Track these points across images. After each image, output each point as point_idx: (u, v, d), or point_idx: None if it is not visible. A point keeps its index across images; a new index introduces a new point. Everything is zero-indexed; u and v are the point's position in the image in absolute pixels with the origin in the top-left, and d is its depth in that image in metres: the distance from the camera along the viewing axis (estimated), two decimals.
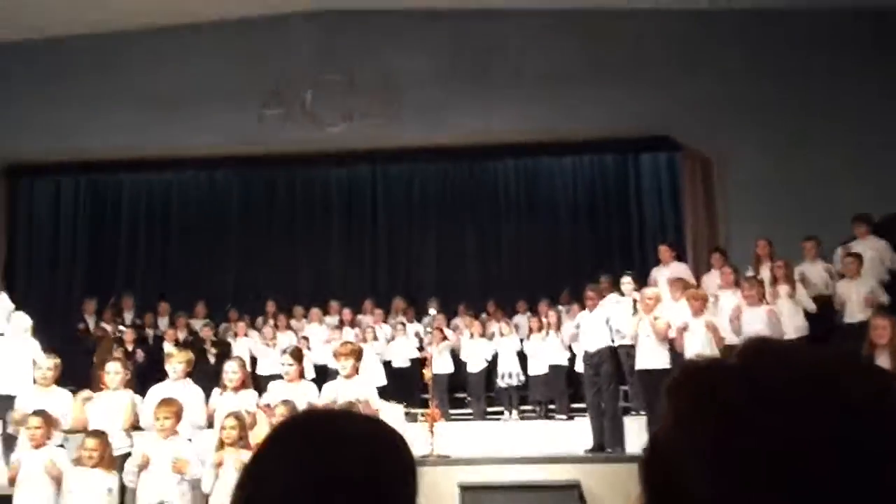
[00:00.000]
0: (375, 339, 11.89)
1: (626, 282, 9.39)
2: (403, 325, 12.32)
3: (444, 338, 11.78)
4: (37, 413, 6.30)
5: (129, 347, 11.23)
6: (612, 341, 9.03)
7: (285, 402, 6.54)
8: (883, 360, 6.04)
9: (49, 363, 6.96)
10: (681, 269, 10.20)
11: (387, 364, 11.97)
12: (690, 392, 0.73)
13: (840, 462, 0.65)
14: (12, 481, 6.23)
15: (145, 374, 9.68)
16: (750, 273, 9.16)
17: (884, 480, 0.65)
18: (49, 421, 6.28)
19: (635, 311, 8.90)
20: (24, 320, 8.82)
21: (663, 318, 8.43)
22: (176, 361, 6.80)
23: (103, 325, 12.00)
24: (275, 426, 0.98)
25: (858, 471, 0.65)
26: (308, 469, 0.88)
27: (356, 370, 7.26)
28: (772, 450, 0.66)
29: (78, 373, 10.73)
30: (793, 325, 8.29)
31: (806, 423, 0.66)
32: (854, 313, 8.31)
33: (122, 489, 6.37)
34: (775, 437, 0.66)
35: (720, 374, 0.73)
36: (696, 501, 0.68)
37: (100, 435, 6.24)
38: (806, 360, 0.72)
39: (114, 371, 6.49)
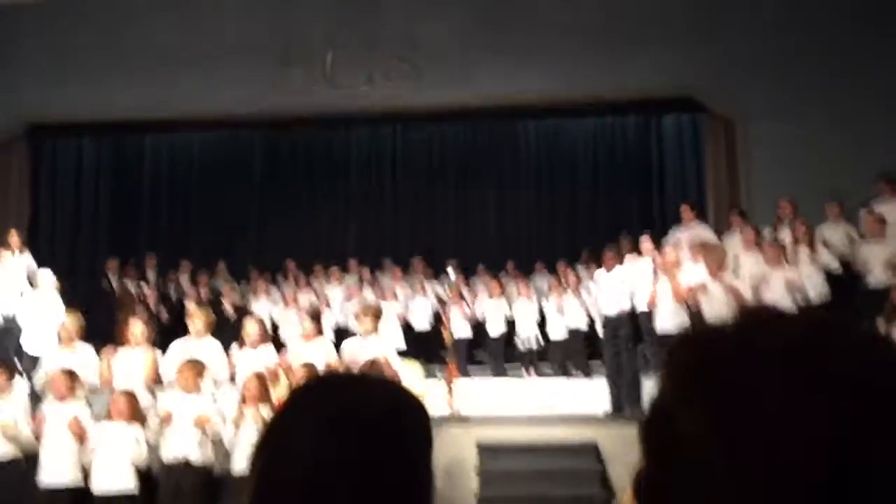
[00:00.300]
0: (396, 298, 11.94)
1: (645, 241, 9.33)
2: (423, 287, 12.35)
3: (462, 299, 11.78)
4: (64, 371, 6.42)
5: (152, 305, 11.36)
6: (631, 305, 9.00)
7: (306, 364, 6.62)
8: None
9: (72, 321, 7.06)
10: (702, 230, 10.12)
11: (406, 325, 12.04)
12: (689, 361, 0.73)
13: (834, 435, 0.65)
14: (38, 436, 6.37)
15: (168, 333, 9.81)
16: (769, 233, 9.06)
17: (880, 459, 0.65)
18: (74, 377, 6.39)
19: (654, 273, 8.86)
20: (49, 277, 8.94)
21: (682, 279, 8.40)
22: (197, 319, 6.88)
23: (126, 282, 12.13)
24: (297, 387, 0.98)
25: (853, 440, 0.65)
26: (331, 430, 0.89)
27: (375, 329, 7.31)
28: (769, 420, 0.66)
29: (102, 330, 10.93)
30: (815, 291, 8.21)
31: (801, 393, 0.67)
32: (877, 277, 8.20)
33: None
34: (772, 407, 0.67)
35: (719, 344, 0.73)
36: (693, 469, 0.69)
37: (128, 393, 6.37)
38: (803, 329, 0.72)
39: (136, 328, 6.58)
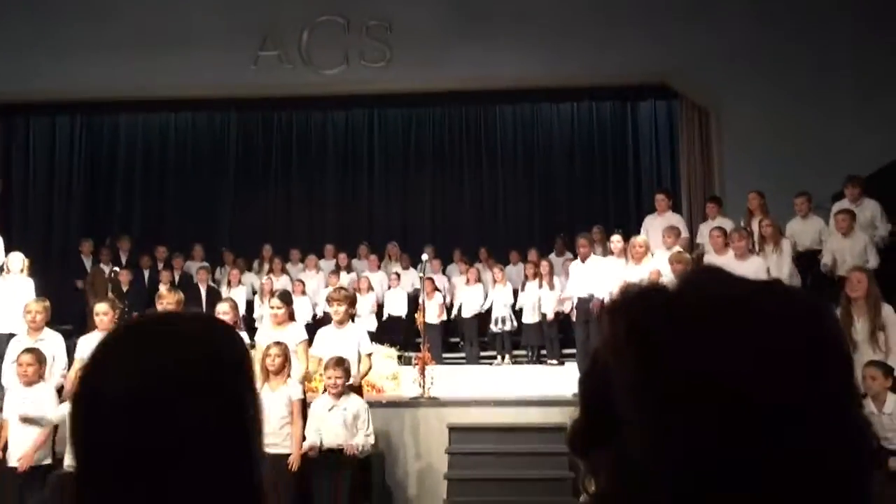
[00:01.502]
0: (371, 289, 11.96)
1: (616, 240, 9.37)
2: (398, 275, 12.37)
3: (436, 289, 11.84)
4: (28, 350, 6.39)
5: (125, 288, 11.31)
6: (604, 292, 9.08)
7: (277, 343, 6.61)
8: (859, 313, 6.09)
9: (37, 307, 7.01)
10: (675, 220, 10.20)
11: (380, 309, 12.09)
12: (622, 317, 0.75)
13: (752, 388, 0.68)
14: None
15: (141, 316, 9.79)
16: (736, 226, 9.14)
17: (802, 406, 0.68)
18: (41, 359, 6.37)
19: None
20: (19, 260, 8.88)
21: (653, 266, 8.48)
22: (166, 301, 6.86)
23: (101, 265, 12.07)
24: (111, 330, 0.99)
25: (769, 398, 0.68)
26: (148, 365, 0.90)
27: (349, 316, 7.32)
28: (688, 379, 0.69)
29: (76, 313, 10.89)
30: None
31: (720, 350, 0.69)
32: (845, 269, 8.30)
33: None
34: (692, 366, 0.69)
35: (651, 301, 0.75)
36: (621, 423, 0.72)
37: None
38: (733, 288, 0.74)
39: (103, 312, 6.55)
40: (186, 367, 0.91)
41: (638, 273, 8.61)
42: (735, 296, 0.73)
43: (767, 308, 0.72)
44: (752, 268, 7.95)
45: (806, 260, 8.86)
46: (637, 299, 0.76)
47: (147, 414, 0.87)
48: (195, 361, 0.92)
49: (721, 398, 0.68)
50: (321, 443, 6.47)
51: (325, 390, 6.73)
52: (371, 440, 6.68)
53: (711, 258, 8.93)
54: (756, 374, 0.68)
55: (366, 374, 7.33)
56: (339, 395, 6.53)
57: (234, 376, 0.94)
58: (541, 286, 11.27)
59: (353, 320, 7.58)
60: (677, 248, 8.74)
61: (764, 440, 0.67)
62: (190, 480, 0.87)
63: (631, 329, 0.73)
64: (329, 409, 6.53)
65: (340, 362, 6.55)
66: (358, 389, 6.98)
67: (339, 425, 6.49)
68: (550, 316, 11.03)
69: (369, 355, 7.24)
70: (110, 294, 9.78)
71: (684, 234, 9.93)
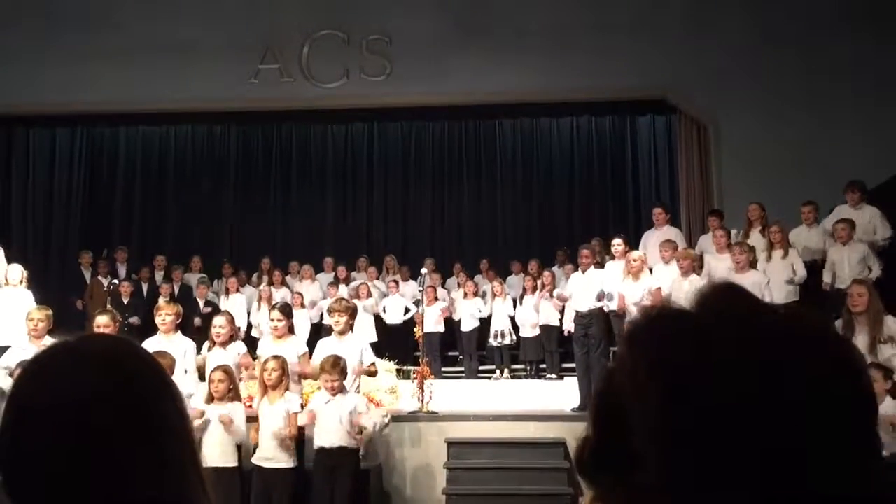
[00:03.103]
0: (370, 295, 11.96)
1: (617, 243, 9.40)
2: (396, 283, 12.37)
3: (436, 298, 11.85)
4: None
5: (125, 300, 11.30)
6: (603, 306, 9.07)
7: (275, 357, 6.61)
8: (860, 327, 6.09)
9: (40, 315, 7.01)
10: (672, 234, 10.22)
11: (379, 321, 12.07)
12: (644, 348, 0.74)
13: (780, 430, 0.67)
14: None
15: (140, 331, 9.78)
16: (739, 237, 9.16)
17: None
18: None
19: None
20: (18, 272, 8.88)
21: (655, 281, 8.49)
22: (165, 313, 6.85)
23: (99, 277, 12.06)
24: (30, 360, 1.06)
25: (796, 442, 0.67)
26: (65, 389, 0.97)
27: (350, 327, 7.31)
28: (715, 417, 0.68)
29: (75, 324, 10.87)
30: (783, 291, 8.33)
31: (750, 391, 0.68)
32: (845, 280, 8.31)
33: None
34: (720, 405, 0.68)
35: (675, 333, 0.74)
36: (634, 451, 0.71)
37: None
38: (763, 324, 0.73)
39: (104, 324, 6.54)
40: (92, 379, 0.98)
41: (636, 288, 8.62)
42: (763, 331, 0.72)
43: (796, 349, 0.71)
44: (749, 282, 7.96)
45: (809, 270, 8.86)
46: (660, 329, 0.75)
47: (61, 420, 0.94)
48: (99, 374, 0.99)
49: (749, 439, 0.67)
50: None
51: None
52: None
53: (712, 259, 8.94)
54: (785, 418, 0.67)
55: (371, 373, 7.33)
56: (335, 393, 6.53)
57: (131, 385, 1.00)
58: (541, 297, 11.23)
59: (353, 330, 7.58)
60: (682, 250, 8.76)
61: (791, 482, 0.67)
62: (102, 479, 0.94)
63: (655, 364, 0.72)
64: (326, 402, 6.51)
65: (336, 363, 6.54)
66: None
67: (335, 421, 6.45)
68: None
69: (372, 364, 7.25)
70: (109, 306, 9.76)
71: (682, 246, 9.94)
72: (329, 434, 6.46)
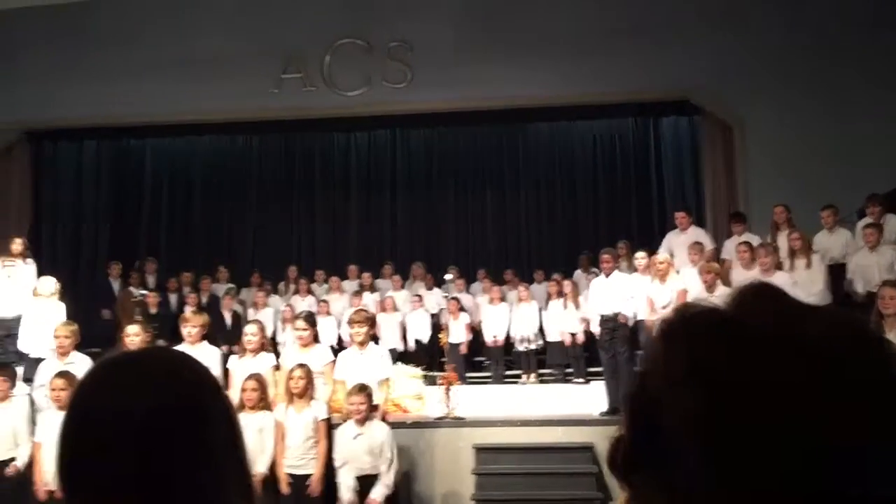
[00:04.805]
0: (396, 309, 11.96)
1: (640, 256, 9.35)
2: (420, 297, 12.34)
3: (461, 309, 11.77)
4: (61, 375, 6.46)
5: (153, 311, 11.42)
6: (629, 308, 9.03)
7: (301, 365, 6.65)
8: (890, 329, 6.02)
9: (65, 331, 7.09)
10: (699, 234, 10.15)
11: (405, 331, 12.06)
12: (680, 347, 0.74)
13: (822, 430, 0.67)
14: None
15: (169, 340, 9.87)
16: (762, 241, 9.07)
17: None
18: (73, 383, 6.44)
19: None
20: (51, 284, 9.01)
21: (680, 284, 8.44)
22: (191, 325, 6.92)
23: (129, 288, 12.20)
24: (90, 370, 1.08)
25: (841, 440, 0.67)
26: (128, 399, 0.98)
27: (370, 337, 7.34)
28: (755, 419, 0.68)
29: (105, 336, 10.99)
30: (810, 297, 8.22)
31: (790, 391, 0.68)
32: (873, 283, 8.20)
33: None
34: (760, 406, 0.68)
35: (712, 331, 0.73)
36: (670, 451, 0.71)
37: None
38: (802, 321, 0.73)
39: (133, 333, 6.62)
40: (155, 391, 1.00)
41: (664, 291, 8.58)
42: (803, 329, 0.71)
43: (838, 348, 0.70)
44: (777, 283, 7.87)
45: (833, 273, 8.77)
46: (696, 328, 0.74)
47: (124, 429, 0.96)
48: (161, 385, 1.01)
49: (796, 437, 0.67)
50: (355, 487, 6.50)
51: (346, 417, 6.74)
52: (395, 468, 6.69)
53: (738, 274, 8.87)
54: (827, 416, 0.67)
55: (387, 399, 7.33)
56: (363, 422, 6.55)
57: (192, 397, 1.02)
58: (565, 306, 11.19)
59: (375, 342, 7.60)
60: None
61: (829, 482, 0.66)
62: (161, 488, 0.95)
63: (694, 364, 0.71)
64: (354, 437, 6.55)
65: (363, 388, 6.58)
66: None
67: (364, 453, 6.52)
68: (580, 335, 10.91)
69: (386, 380, 7.20)
70: (138, 317, 9.88)
71: (709, 246, 9.88)
72: (361, 465, 6.52)
